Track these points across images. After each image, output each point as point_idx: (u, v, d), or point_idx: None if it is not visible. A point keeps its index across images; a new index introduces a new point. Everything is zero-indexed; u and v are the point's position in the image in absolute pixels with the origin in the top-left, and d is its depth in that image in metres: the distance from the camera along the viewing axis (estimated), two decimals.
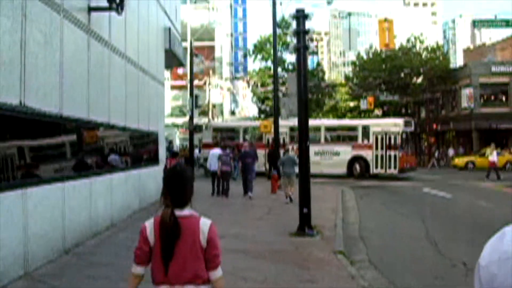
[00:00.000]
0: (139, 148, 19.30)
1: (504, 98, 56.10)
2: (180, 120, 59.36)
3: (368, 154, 33.97)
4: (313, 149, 30.21)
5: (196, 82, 48.35)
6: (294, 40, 13.71)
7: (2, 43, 8.50)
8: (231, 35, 73.57)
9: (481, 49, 70.31)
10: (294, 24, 13.84)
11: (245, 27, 74.54)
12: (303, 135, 13.69)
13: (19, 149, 9.37)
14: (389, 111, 62.08)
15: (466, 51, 77.41)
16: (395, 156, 33.49)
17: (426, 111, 62.84)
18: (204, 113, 58.67)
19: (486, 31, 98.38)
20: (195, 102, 38.20)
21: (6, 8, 8.65)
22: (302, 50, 13.67)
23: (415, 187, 27.53)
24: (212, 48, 66.19)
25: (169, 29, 23.39)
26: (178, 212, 3.75)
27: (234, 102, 76.86)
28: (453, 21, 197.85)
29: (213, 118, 55.28)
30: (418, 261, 11.52)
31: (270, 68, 62.37)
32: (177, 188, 3.81)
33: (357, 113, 65.54)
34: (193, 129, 36.29)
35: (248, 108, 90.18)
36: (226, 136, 38.10)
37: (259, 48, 62.88)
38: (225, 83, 66.44)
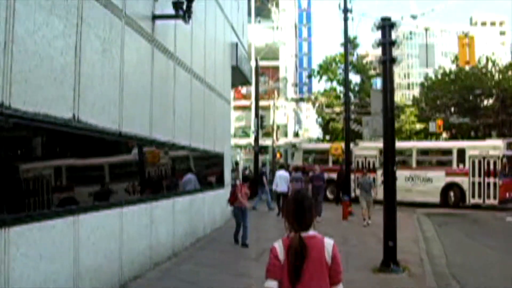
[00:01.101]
0: (204, 170, 18.07)
1: None
2: (243, 141, 58.29)
3: (463, 181, 29.19)
4: (403, 174, 29.04)
5: (261, 103, 47.27)
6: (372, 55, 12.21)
7: (53, 47, 7.35)
8: (296, 55, 72.28)
9: None
10: (377, 34, 12.35)
11: (310, 47, 73.13)
12: (389, 157, 12.16)
13: (71, 169, 8.19)
14: (457, 134, 59.41)
15: None
16: (494, 184, 28.30)
17: (498, 135, 59.84)
18: (268, 134, 57.44)
19: None
20: (260, 122, 36.94)
21: (59, 7, 7.51)
22: (388, 63, 12.19)
23: (496, 216, 25.24)
24: (276, 68, 65.04)
25: (236, 44, 22.28)
26: (304, 234, 4.14)
27: (297, 123, 75.41)
28: None
29: (277, 139, 53.92)
30: None
31: (335, 89, 60.90)
32: (302, 213, 4.19)
33: (424, 136, 63.05)
34: (258, 150, 35.01)
35: (310, 130, 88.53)
36: (315, 158, 35.96)
37: (324, 68, 61.39)
38: (290, 104, 65.09)
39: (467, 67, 58.70)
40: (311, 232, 4.20)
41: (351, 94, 53.49)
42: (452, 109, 59.06)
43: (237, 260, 13.41)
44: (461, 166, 29.31)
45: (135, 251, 10.64)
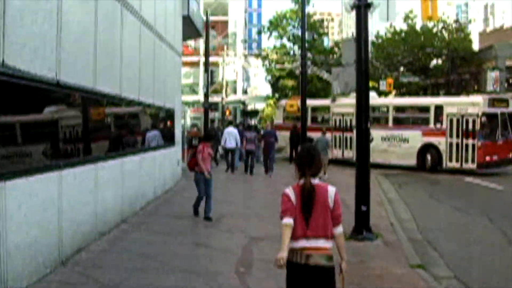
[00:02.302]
0: (155, 127, 16.56)
1: None
2: (191, 98, 56.60)
3: (440, 143, 25.78)
4: (379, 133, 27.32)
5: (210, 58, 45.59)
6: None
7: None
8: (245, 11, 70.45)
9: (498, 32, 67.25)
10: None
11: (260, 3, 71.42)
12: (362, 114, 10.96)
13: None
14: (406, 93, 58.98)
15: (482, 35, 74.27)
16: (473, 146, 24.82)
17: (446, 94, 59.74)
18: (216, 91, 55.88)
19: (499, 16, 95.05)
20: (211, 79, 35.37)
21: None
22: (362, 9, 10.91)
23: (455, 177, 24.44)
24: (225, 24, 63.18)
25: None
26: (312, 181, 4.92)
27: (246, 80, 73.95)
28: (466, 5, 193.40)
29: (226, 96, 52.45)
30: None
31: (285, 46, 59.49)
32: (311, 163, 4.97)
33: None
34: (208, 107, 33.53)
35: (259, 87, 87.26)
36: (295, 116, 32.56)
37: (275, 24, 59.74)
38: (239, 60, 63.48)
39: (418, 27, 58.27)
40: (317, 180, 4.97)
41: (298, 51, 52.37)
42: (402, 68, 58.52)
43: (194, 226, 12.13)
44: (438, 125, 26.10)
45: (78, 220, 9.20)
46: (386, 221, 13.24)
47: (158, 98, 16.37)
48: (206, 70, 34.00)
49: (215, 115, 53.41)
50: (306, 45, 55.56)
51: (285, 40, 59.51)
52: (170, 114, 18.50)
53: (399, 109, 28.81)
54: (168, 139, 18.35)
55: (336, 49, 61.52)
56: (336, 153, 29.83)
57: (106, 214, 10.86)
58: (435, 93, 61.34)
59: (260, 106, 78.35)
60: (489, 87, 52.05)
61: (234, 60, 60.75)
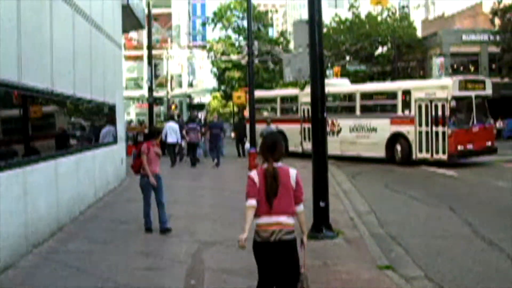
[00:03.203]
0: (94, 123, 15.38)
1: (473, 68, 53.56)
2: (136, 93, 55.11)
3: (409, 132, 23.29)
4: (347, 123, 25.81)
5: (154, 52, 44.24)
6: None
7: None
8: (189, 2, 69.01)
9: (440, 20, 67.76)
10: None
11: None
12: (318, 102, 10.11)
13: None
14: (353, 82, 58.76)
15: (425, 22, 74.73)
16: (443, 135, 22.18)
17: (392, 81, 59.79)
18: (161, 85, 54.59)
19: (440, 3, 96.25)
20: (153, 72, 34.08)
21: None
22: None
23: (414, 167, 23.78)
24: (169, 16, 61.80)
25: None
26: (275, 164, 5.39)
27: (192, 73, 72.60)
28: None
29: (171, 90, 51.17)
30: (494, 275, 8.22)
31: (230, 37, 58.51)
32: (274, 149, 5.44)
33: None
34: (153, 101, 32.27)
35: (205, 80, 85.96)
36: (264, 108, 31.83)
37: (219, 16, 58.67)
38: (184, 53, 62.17)
39: (362, 15, 58.12)
40: (280, 164, 5.41)
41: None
42: (348, 57, 58.29)
43: (138, 232, 10.98)
44: (406, 112, 23.62)
45: (3, 232, 8.08)
46: (345, 215, 12.47)
47: (97, 93, 15.22)
48: (149, 63, 32.65)
49: (160, 109, 52.11)
50: (252, 35, 54.98)
51: (230, 32, 58.64)
52: (111, 110, 17.34)
53: (366, 96, 26.09)
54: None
55: (281, 39, 60.94)
56: (306, 146, 26.97)
57: (38, 223, 9.73)
58: (382, 81, 61.34)
59: (206, 99, 77.29)
60: (435, 73, 52.27)
61: (178, 53, 59.41)
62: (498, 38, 48.24)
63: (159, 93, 48.79)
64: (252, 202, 5.30)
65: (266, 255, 5.31)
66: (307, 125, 26.04)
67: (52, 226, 10.58)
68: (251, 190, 5.34)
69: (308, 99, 26.35)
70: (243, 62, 42.90)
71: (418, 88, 23.80)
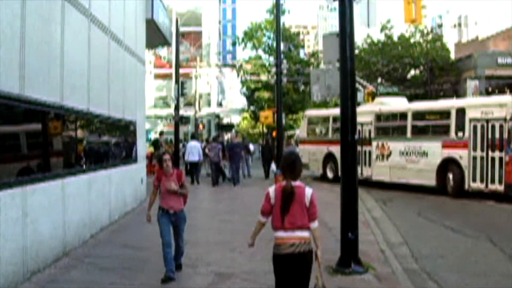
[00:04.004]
0: (109, 142, 14.62)
1: (509, 91, 52.08)
2: (164, 112, 54.68)
3: (462, 157, 19.99)
4: (397, 147, 23.00)
5: (183, 71, 43.81)
6: None
7: None
8: (219, 22, 68.83)
9: (473, 43, 66.53)
10: None
11: (235, 14, 69.90)
12: (348, 124, 9.17)
13: None
14: None
15: (458, 45, 73.55)
16: (500, 161, 18.69)
17: None
18: (190, 104, 54.06)
19: (472, 28, 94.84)
20: (181, 91, 33.47)
21: None
22: (347, 0, 9.16)
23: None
24: (199, 34, 61.62)
25: None
26: (293, 183, 5.71)
27: (221, 93, 72.22)
28: (440, 17, 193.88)
29: (199, 109, 50.59)
30: None
31: (260, 57, 57.90)
32: (293, 168, 5.81)
33: None
34: (179, 120, 31.62)
35: (235, 101, 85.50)
36: (321, 129, 28.62)
37: (249, 35, 58.05)
38: (213, 72, 61.72)
39: (395, 37, 57.24)
40: (298, 182, 5.80)
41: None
42: (379, 79, 57.35)
43: (150, 259, 10.10)
44: (460, 134, 20.31)
45: None
46: (375, 246, 11.45)
47: (115, 109, 14.51)
48: (176, 82, 32.08)
49: (188, 128, 51.55)
50: (282, 56, 54.48)
51: (260, 52, 58.01)
52: (130, 127, 16.62)
53: (417, 115, 22.89)
54: (129, 154, 16.48)
55: (312, 60, 60.14)
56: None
57: (39, 248, 8.92)
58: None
59: (236, 119, 76.69)
60: (469, 97, 50.98)
61: (207, 72, 58.94)
62: None
63: (187, 112, 48.26)
64: (263, 219, 5.90)
65: (284, 266, 5.73)
66: (358, 148, 23.97)
67: (57, 251, 9.79)
68: (264, 207, 5.86)
69: (359, 119, 23.54)
70: (272, 81, 42.10)
71: (473, 106, 20.46)
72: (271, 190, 5.83)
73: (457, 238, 13.03)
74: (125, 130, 16.10)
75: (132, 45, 16.73)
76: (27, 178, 8.58)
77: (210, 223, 14.76)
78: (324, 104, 59.52)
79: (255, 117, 60.75)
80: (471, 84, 51.12)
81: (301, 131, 31.26)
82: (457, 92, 54.44)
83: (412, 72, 58.15)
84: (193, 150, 24.96)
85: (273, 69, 35.93)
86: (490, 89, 51.85)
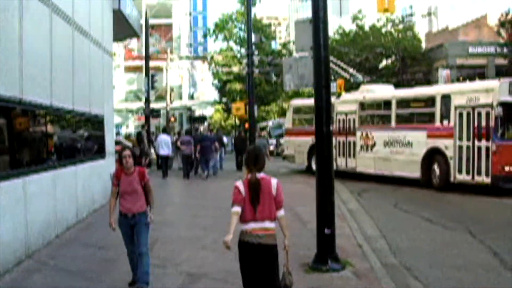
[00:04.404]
0: (74, 137, 14.02)
1: (480, 81, 52.21)
2: (136, 105, 53.86)
3: (448, 147, 19.03)
4: (382, 136, 21.92)
5: (153, 63, 43.12)
6: None
7: None
8: (190, 13, 68.00)
9: (444, 33, 66.65)
10: None
11: (205, 5, 69.15)
12: (323, 114, 8.78)
13: None
14: None
15: (428, 35, 73.63)
16: (487, 151, 17.79)
17: None
18: (161, 97, 53.28)
19: (443, 18, 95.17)
20: (151, 83, 32.85)
21: None
22: None
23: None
24: (169, 27, 60.78)
25: None
26: (258, 175, 5.97)
27: (193, 86, 71.47)
28: (411, 6, 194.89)
29: (171, 102, 49.86)
30: None
31: (232, 49, 57.34)
32: (257, 160, 6.05)
33: None
34: (149, 113, 31.03)
35: (206, 93, 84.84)
36: (302, 119, 27.08)
37: (220, 27, 57.45)
38: (184, 65, 60.96)
39: (366, 27, 57.22)
40: (262, 174, 6.03)
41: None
42: (351, 69, 57.18)
43: (118, 259, 9.61)
44: (445, 122, 19.33)
45: None
46: (352, 240, 11.11)
47: (81, 103, 13.94)
48: (146, 74, 31.46)
49: (160, 122, 50.87)
50: (254, 47, 54.10)
51: (231, 43, 57.45)
52: (98, 122, 16.06)
53: (401, 103, 21.74)
54: (97, 150, 15.93)
55: (284, 51, 59.71)
56: (340, 162, 23.97)
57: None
58: None
59: (208, 112, 76.11)
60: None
61: (179, 65, 58.22)
62: (505, 50, 47.14)
63: (158, 105, 47.57)
64: (237, 208, 5.90)
65: (250, 255, 5.89)
66: (343, 138, 23.97)
67: (19, 253, 9.27)
68: (236, 197, 5.93)
69: (344, 108, 24.13)
70: (244, 73, 41.63)
71: (459, 92, 19.36)
72: (239, 183, 6.02)
73: (436, 230, 12.78)
74: (92, 124, 15.54)
75: (99, 37, 16.15)
76: None
77: (181, 219, 14.34)
78: (296, 95, 59.33)
79: (228, 109, 60.30)
80: (443, 73, 51.26)
81: (286, 122, 29.60)
82: (429, 81, 54.53)
83: (384, 62, 58.17)
84: (164, 144, 25.02)
85: (245, 61, 35.47)
86: (461, 78, 51.99)
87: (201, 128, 52.29)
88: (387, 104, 22.25)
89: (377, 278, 8.40)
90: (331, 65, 50.62)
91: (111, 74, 19.03)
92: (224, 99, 59.65)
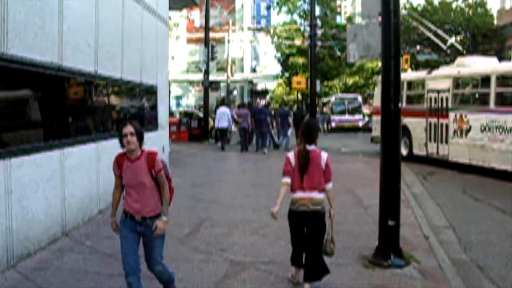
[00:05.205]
0: (122, 108, 13.31)
1: None
2: (196, 77, 53.34)
3: None
4: (478, 119, 17.79)
5: (215, 35, 42.41)
6: None
7: None
8: None
9: None
10: None
11: None
12: (390, 89, 7.70)
13: None
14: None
15: (500, 11, 70.33)
16: None
17: None
18: (222, 69, 52.56)
19: None
20: (211, 54, 32.03)
21: None
22: None
23: None
24: None
25: None
26: (308, 147, 6.31)
27: (255, 59, 70.50)
28: None
29: (232, 75, 49.07)
30: None
31: (295, 22, 56.06)
32: (309, 132, 6.37)
33: None
34: (208, 85, 30.27)
35: (269, 66, 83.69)
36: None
37: None
38: (246, 36, 59.98)
39: (436, 1, 55.04)
40: (313, 147, 6.35)
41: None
42: (418, 46, 55.22)
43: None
44: None
45: None
46: (417, 231, 10.01)
47: (131, 72, 13.20)
48: (206, 45, 30.65)
49: (220, 94, 50.21)
50: (318, 21, 52.59)
51: (295, 16, 56.16)
52: (150, 92, 15.34)
53: (505, 79, 17.20)
54: (149, 121, 15.25)
55: (349, 25, 57.95)
56: (431, 148, 20.47)
57: (30, 229, 7.75)
58: None
59: (270, 86, 75.12)
60: None
61: (241, 37, 57.30)
62: None
63: (219, 78, 46.87)
64: (286, 179, 6.30)
65: (299, 222, 6.36)
66: (434, 120, 20.22)
67: (55, 231, 8.63)
68: (286, 168, 6.33)
69: (436, 85, 20.38)
70: (306, 45, 40.40)
71: None
72: (290, 154, 6.43)
73: (509, 221, 11.51)
74: (143, 95, 14.84)
75: (153, 3, 15.37)
76: (14, 149, 7.37)
77: (232, 198, 13.46)
78: (361, 71, 57.59)
79: (290, 84, 59.22)
80: None
81: (374, 100, 27.20)
82: (501, 60, 52.08)
83: (454, 39, 55.87)
84: (223, 116, 25.03)
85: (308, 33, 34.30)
86: None
87: (261, 102, 51.48)
88: (485, 81, 17.96)
89: (446, 278, 7.34)
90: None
91: (167, 44, 18.24)
92: (286, 74, 58.53)
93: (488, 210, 12.62)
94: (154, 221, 5.62)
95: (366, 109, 50.30)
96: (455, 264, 8.09)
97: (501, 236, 10.14)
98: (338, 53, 54.21)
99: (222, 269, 7.49)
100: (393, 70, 7.57)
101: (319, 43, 33.12)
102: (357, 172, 18.72)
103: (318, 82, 27.98)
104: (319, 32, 40.64)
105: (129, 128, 5.53)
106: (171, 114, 31.71)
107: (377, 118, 23.17)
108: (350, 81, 59.34)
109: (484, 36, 53.08)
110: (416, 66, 55.87)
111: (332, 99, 48.45)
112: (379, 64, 52.68)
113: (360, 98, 48.88)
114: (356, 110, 45.82)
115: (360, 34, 8.29)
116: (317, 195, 6.25)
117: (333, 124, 44.22)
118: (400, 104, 7.71)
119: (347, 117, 44.82)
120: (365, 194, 13.43)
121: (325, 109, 48.53)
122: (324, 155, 6.33)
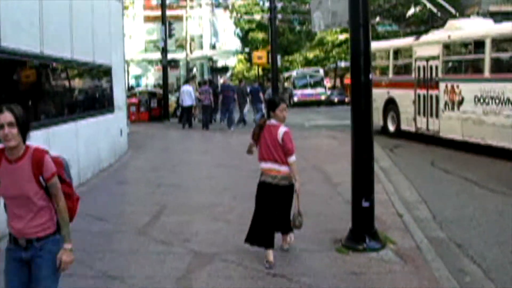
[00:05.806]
0: (74, 90, 12.52)
1: None
2: (155, 56, 52.19)
3: None
4: (471, 89, 15.79)
5: (172, 12, 41.38)
6: None
7: None
8: None
9: None
10: None
11: None
12: (359, 59, 7.13)
13: None
14: None
15: None
16: None
17: None
18: (181, 47, 51.54)
19: None
20: (169, 32, 31.09)
21: None
22: None
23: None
24: None
25: None
26: (269, 122, 6.62)
27: (214, 35, 69.37)
28: None
29: (191, 52, 48.12)
30: None
31: None
32: (274, 109, 6.59)
33: (347, 48, 58.40)
34: (166, 63, 29.41)
35: (228, 43, 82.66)
36: (378, 66, 21.50)
37: None
38: (205, 14, 58.90)
39: None
40: (275, 122, 6.60)
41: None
42: (377, 18, 54.93)
43: (116, 232, 8.35)
44: None
45: None
46: (390, 209, 9.53)
47: (82, 52, 12.40)
48: (163, 22, 29.72)
49: (180, 73, 49.27)
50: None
51: None
52: (104, 72, 14.55)
53: (500, 43, 15.00)
54: (103, 103, 14.48)
55: None
56: (420, 123, 18.71)
57: None
58: None
59: (231, 62, 74.25)
60: None
61: (200, 14, 56.22)
62: None
63: (178, 56, 45.89)
64: (252, 141, 6.86)
65: (263, 193, 6.65)
66: (423, 91, 18.34)
67: (3, 227, 7.89)
68: (253, 134, 6.83)
69: (425, 52, 18.38)
70: (266, 21, 39.75)
71: None
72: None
73: (483, 194, 11.11)
74: (97, 75, 14.06)
75: None
76: None
77: (194, 180, 12.82)
78: (321, 44, 56.98)
79: (250, 59, 58.49)
80: None
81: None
82: None
83: (412, 10, 55.71)
84: (186, 95, 24.92)
85: (267, 5, 33.64)
86: None
87: (221, 80, 50.67)
88: (479, 45, 15.67)
89: (425, 260, 6.86)
90: None
91: (121, 22, 17.40)
92: (246, 49, 57.81)
93: (460, 183, 12.25)
94: (46, 243, 4.02)
95: (327, 83, 49.96)
96: (432, 243, 7.65)
97: (478, 211, 9.74)
98: (298, 27, 53.61)
99: (184, 262, 6.88)
100: (363, 38, 6.99)
101: (279, 16, 32.45)
102: (323, 147, 18.29)
103: (278, 57, 27.49)
104: (279, 5, 40.06)
105: (6, 116, 3.76)
106: (134, 94, 30.86)
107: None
108: (310, 55, 58.77)
109: (442, 6, 52.88)
110: (376, 37, 55.65)
111: (294, 73, 47.94)
112: (340, 37, 52.19)
113: (322, 71, 48.45)
114: (318, 83, 45.40)
115: (325, 1, 7.68)
116: (278, 167, 6.50)
117: (296, 99, 43.77)
118: (370, 76, 7.14)
119: (309, 91, 44.38)
120: (333, 171, 12.99)
121: (286, 84, 48.02)
122: (281, 130, 6.49)
